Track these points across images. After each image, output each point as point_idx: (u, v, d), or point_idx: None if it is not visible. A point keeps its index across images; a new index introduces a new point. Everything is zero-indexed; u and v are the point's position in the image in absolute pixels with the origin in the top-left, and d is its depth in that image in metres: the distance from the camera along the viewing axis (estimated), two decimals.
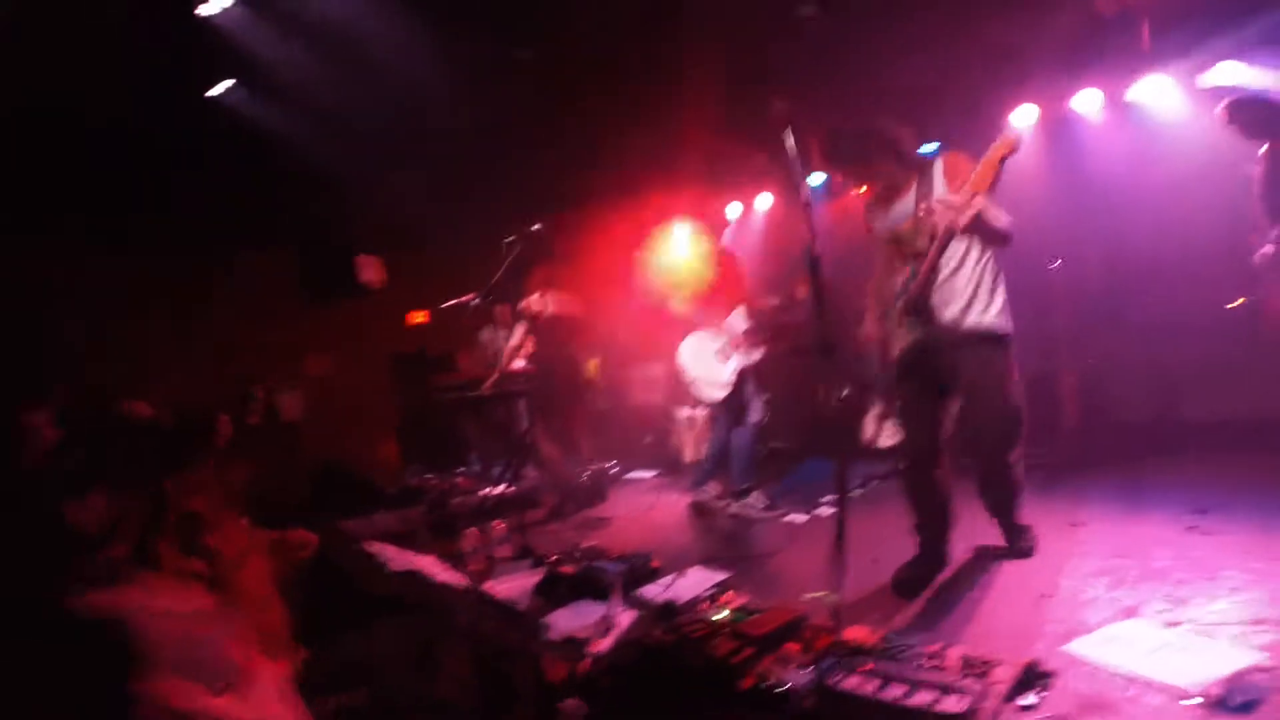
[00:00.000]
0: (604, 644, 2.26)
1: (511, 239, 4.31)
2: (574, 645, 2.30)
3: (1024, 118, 4.96)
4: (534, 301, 4.44)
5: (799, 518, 3.71)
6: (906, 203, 2.47)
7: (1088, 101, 4.75)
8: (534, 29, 4.39)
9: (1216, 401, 4.09)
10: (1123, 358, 4.50)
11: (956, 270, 2.39)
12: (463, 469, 6.31)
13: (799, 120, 2.31)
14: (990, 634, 2.06)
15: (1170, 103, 4.38)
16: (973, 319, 2.38)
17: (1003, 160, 2.14)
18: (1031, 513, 2.71)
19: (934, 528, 2.55)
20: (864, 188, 2.71)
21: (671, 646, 2.02)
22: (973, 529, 2.71)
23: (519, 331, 4.42)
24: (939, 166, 2.42)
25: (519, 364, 4.47)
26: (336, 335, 6.74)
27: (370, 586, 1.99)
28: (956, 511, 2.58)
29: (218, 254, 5.93)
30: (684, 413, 5.81)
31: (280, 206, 5.69)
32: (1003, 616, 2.19)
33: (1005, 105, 4.97)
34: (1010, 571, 2.53)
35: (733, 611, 2.28)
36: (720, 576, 2.84)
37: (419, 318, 7.31)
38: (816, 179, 5.57)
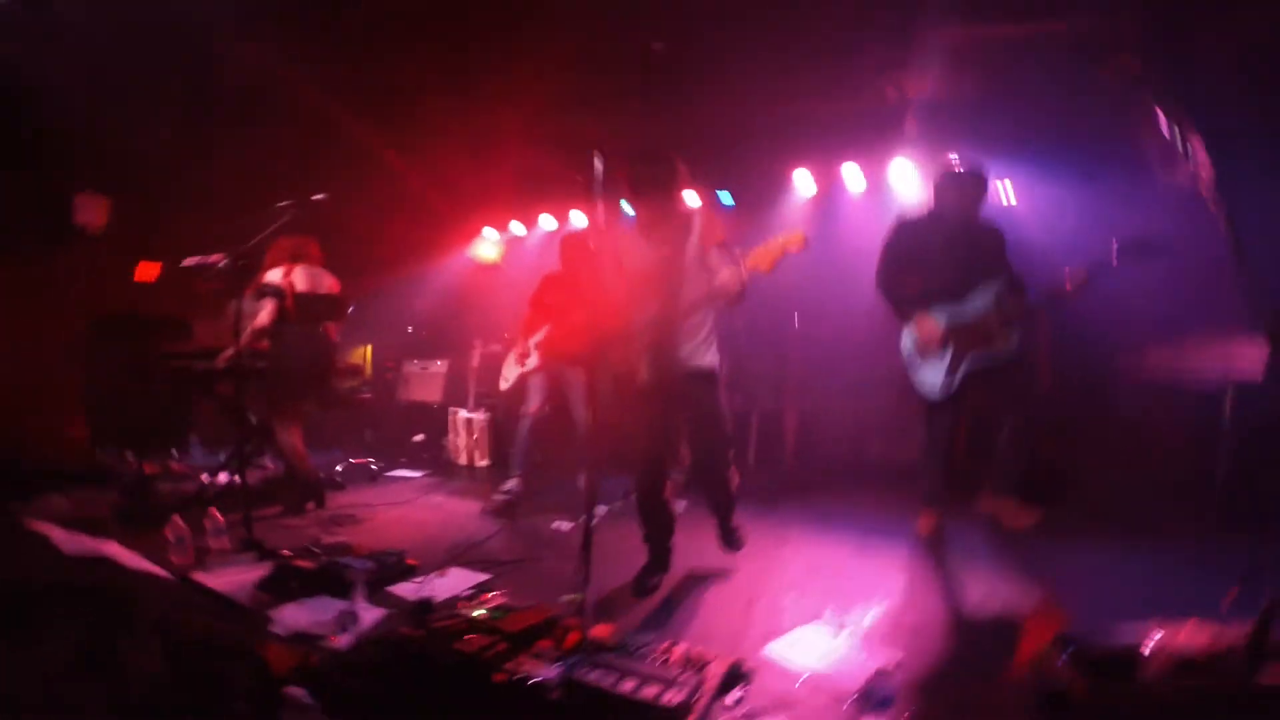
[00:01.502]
0: (342, 640, 2.00)
1: (286, 203, 3.81)
2: (305, 640, 2.02)
3: (802, 180, 5.61)
4: (283, 276, 3.93)
5: (564, 525, 3.70)
6: (661, 246, 2.63)
7: (851, 174, 5.46)
8: None
9: (895, 446, 4.96)
10: (832, 404, 5.24)
11: (690, 318, 2.63)
12: (176, 453, 5.35)
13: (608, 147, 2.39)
14: (708, 632, 2.35)
15: (913, 183, 5.19)
16: (698, 359, 2.66)
17: (784, 254, 2.42)
18: (753, 528, 3.15)
19: (660, 537, 2.83)
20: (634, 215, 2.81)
21: (421, 641, 1.85)
22: (698, 546, 3.06)
23: (266, 306, 3.85)
24: (698, 221, 2.62)
25: (260, 342, 3.88)
26: (31, 284, 5.36)
27: (27, 574, 1.53)
28: (675, 523, 2.89)
29: None
30: (462, 414, 5.56)
31: None
32: (719, 618, 2.49)
33: (789, 167, 5.59)
34: (726, 580, 2.88)
35: (490, 610, 2.17)
36: (481, 578, 2.72)
37: (150, 273, 6.12)
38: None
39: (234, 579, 2.43)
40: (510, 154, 5.79)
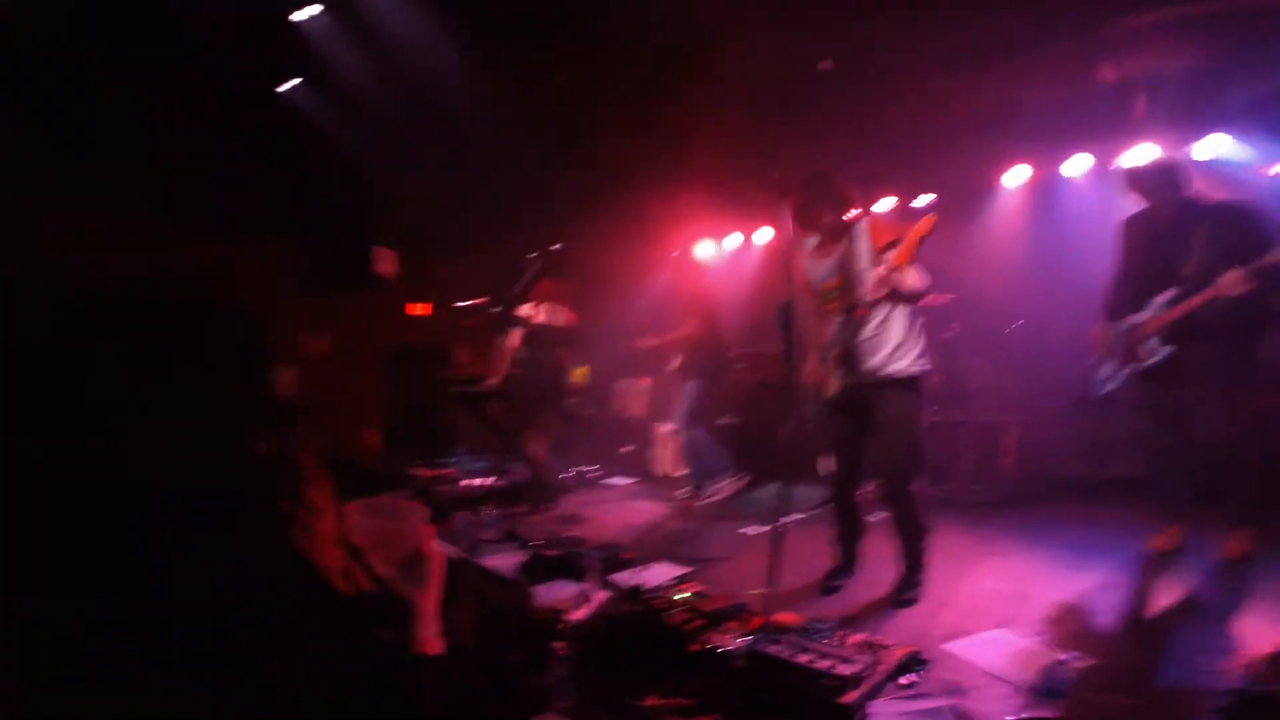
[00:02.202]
0: (581, 613, 2.64)
1: (535, 255, 4.74)
2: (555, 612, 2.69)
3: (1016, 178, 5.37)
4: (528, 309, 4.85)
5: (756, 529, 4.12)
6: (834, 260, 2.83)
7: (1077, 166, 5.08)
8: (575, 52, 4.83)
9: (1126, 462, 4.52)
10: (1059, 416, 4.90)
11: (882, 324, 2.74)
12: (448, 460, 6.65)
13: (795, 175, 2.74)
14: (892, 628, 2.51)
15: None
16: (892, 366, 2.73)
17: (922, 239, 2.51)
18: (959, 537, 3.27)
19: (849, 540, 3.03)
20: (810, 239, 3.01)
21: (638, 615, 2.42)
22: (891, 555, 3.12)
23: (514, 336, 4.81)
24: (862, 228, 2.75)
25: (514, 366, 4.86)
26: (342, 321, 7.04)
27: None
28: (864, 529, 3.06)
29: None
30: (663, 428, 6.22)
31: (312, 198, 6.05)
32: (904, 616, 2.68)
33: (1000, 165, 5.37)
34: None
35: (690, 595, 2.69)
36: (682, 570, 3.25)
37: (420, 310, 7.67)
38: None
39: (502, 562, 3.23)
40: (701, 183, 6.32)
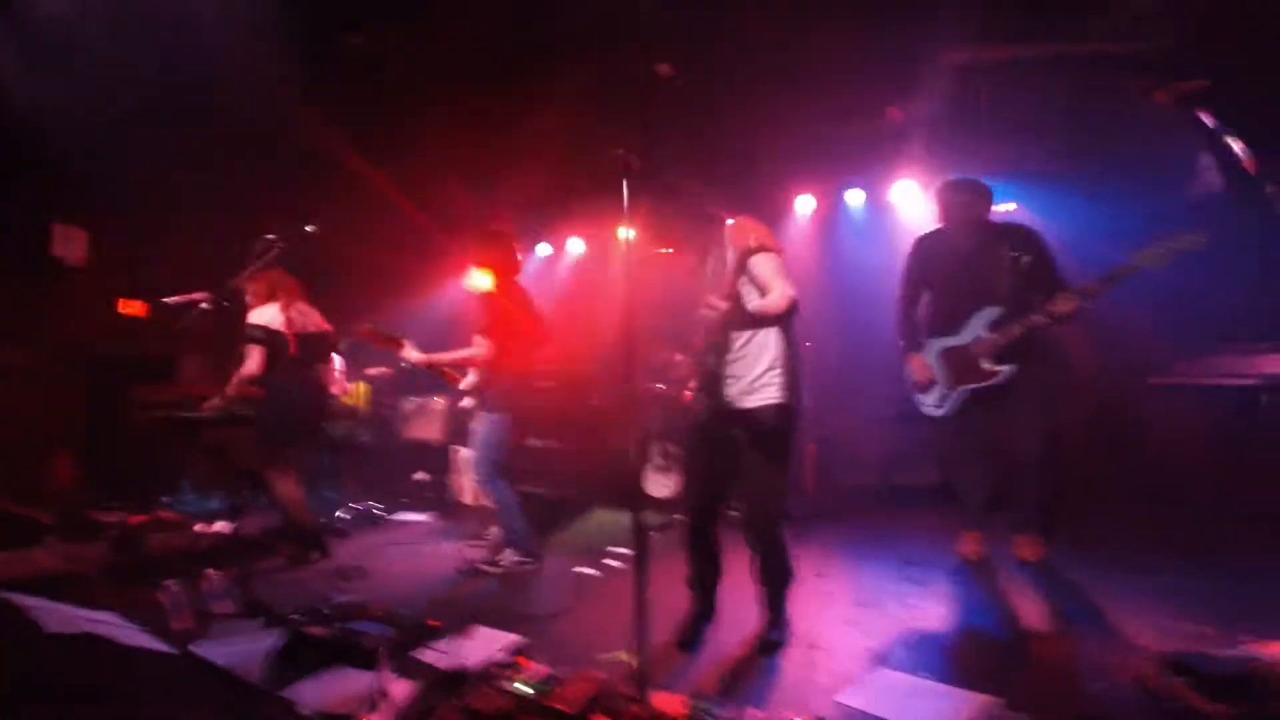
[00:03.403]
0: None
1: (272, 236, 3.58)
2: None
3: (804, 206, 5.59)
4: (271, 315, 3.63)
5: (589, 571, 3.47)
6: (700, 265, 2.49)
7: (855, 197, 5.49)
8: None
9: (918, 472, 4.90)
10: (851, 432, 5.19)
11: (742, 348, 2.36)
12: (169, 499, 5.04)
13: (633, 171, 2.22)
14: (778, 689, 2.17)
15: (919, 205, 5.17)
16: (749, 399, 2.34)
17: (742, 264, 2.25)
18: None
19: (707, 582, 2.61)
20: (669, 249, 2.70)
21: None
22: (738, 582, 2.76)
23: (253, 353, 3.54)
24: (729, 231, 2.41)
25: (248, 389, 3.60)
26: (9, 320, 5.09)
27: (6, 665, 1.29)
28: (725, 567, 2.64)
29: None
30: (464, 452, 5.31)
31: None
32: (784, 670, 2.31)
33: (789, 192, 5.61)
34: None
35: (533, 684, 1.94)
36: (510, 638, 2.48)
37: (133, 309, 5.86)
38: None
39: (242, 650, 2.17)
40: (507, 181, 5.67)
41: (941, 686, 2.09)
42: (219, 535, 3.87)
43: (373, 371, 5.57)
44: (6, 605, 1.72)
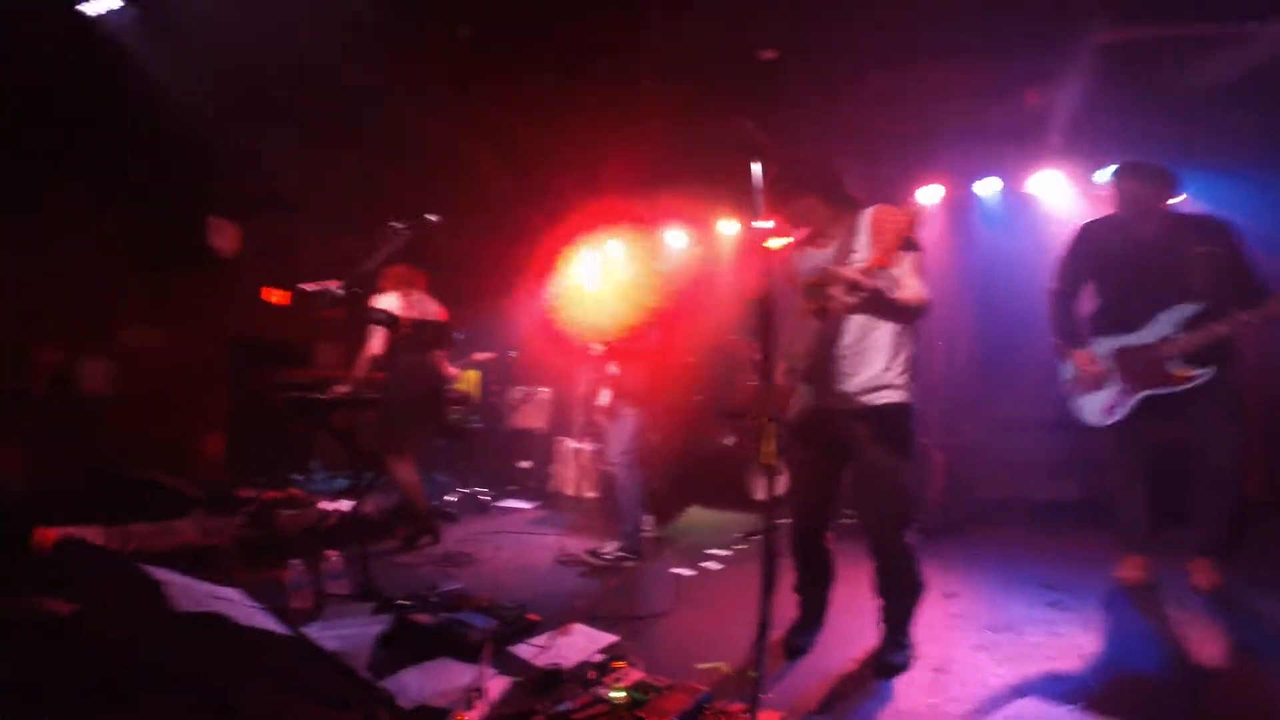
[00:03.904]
0: (470, 718, 1.75)
1: (399, 224, 3.73)
2: (430, 717, 1.79)
3: (932, 195, 5.13)
4: (391, 303, 3.81)
5: (685, 572, 3.37)
6: (827, 253, 2.26)
7: (988, 187, 4.98)
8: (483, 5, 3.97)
9: (1056, 485, 4.52)
10: (983, 441, 4.71)
11: (861, 340, 2.18)
12: (301, 477, 5.44)
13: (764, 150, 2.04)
14: (896, 715, 1.97)
15: (1062, 197, 4.65)
16: (871, 396, 2.16)
17: (902, 236, 1.96)
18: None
19: (816, 589, 2.45)
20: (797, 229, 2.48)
21: None
22: (854, 592, 2.56)
23: (377, 334, 3.76)
24: (866, 220, 2.21)
25: (374, 371, 3.78)
26: (171, 305, 5.67)
27: (139, 641, 1.36)
28: (836, 570, 2.46)
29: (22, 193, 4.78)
30: (569, 444, 5.37)
31: (125, 151, 4.72)
32: (905, 694, 2.09)
33: (914, 182, 5.14)
34: None
35: (629, 689, 1.86)
36: (608, 639, 2.42)
37: (276, 297, 6.36)
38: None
39: (353, 634, 2.25)
40: (618, 171, 5.62)
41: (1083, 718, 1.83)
42: (341, 514, 4.11)
43: (480, 357, 5.70)
44: (147, 579, 1.84)
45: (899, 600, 2.30)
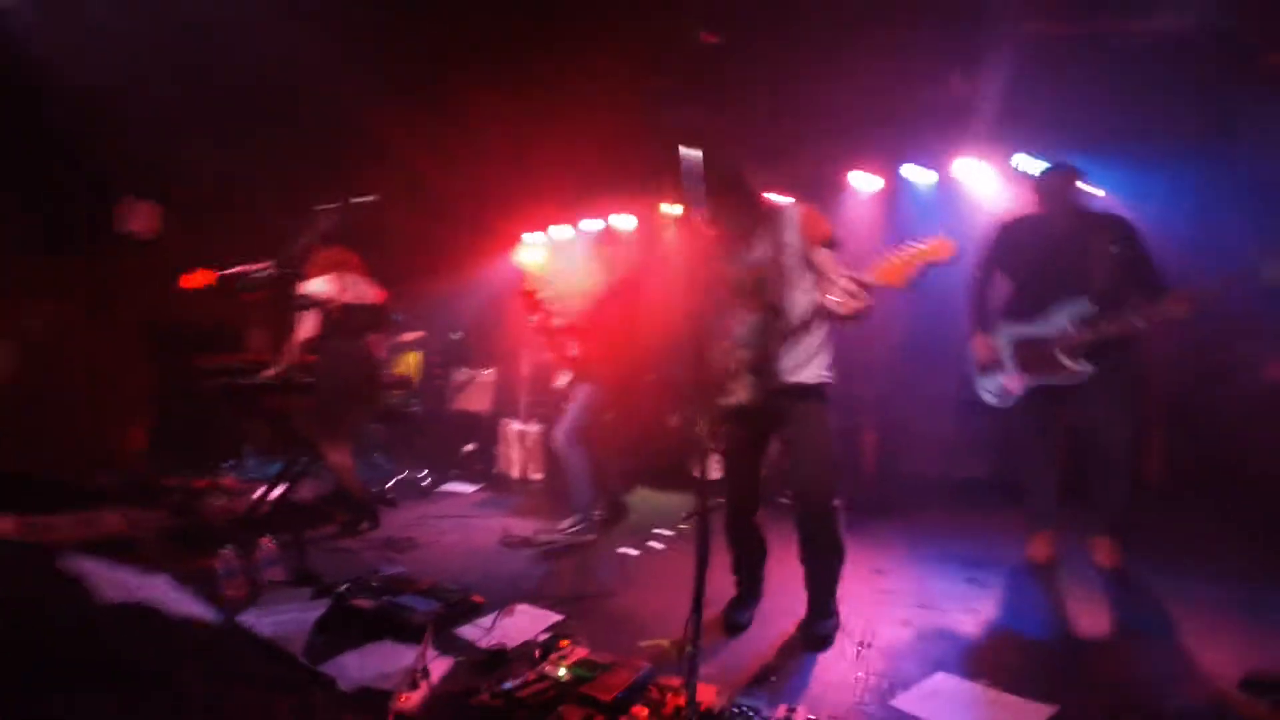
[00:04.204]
0: (413, 699, 1.76)
1: (329, 206, 3.62)
2: (371, 699, 1.77)
3: (858, 182, 5.27)
4: (322, 287, 3.68)
5: (631, 552, 3.43)
6: (752, 250, 2.35)
7: (915, 173, 5.12)
8: None
9: (982, 463, 4.69)
10: (912, 423, 4.92)
11: (800, 332, 2.30)
12: (231, 465, 5.25)
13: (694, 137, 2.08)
14: (824, 688, 2.06)
15: (986, 183, 4.83)
16: (805, 375, 2.31)
17: (929, 263, 2.04)
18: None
19: (751, 566, 2.55)
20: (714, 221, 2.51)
21: (505, 712, 1.59)
22: (786, 570, 2.69)
23: (308, 318, 3.63)
24: (792, 217, 2.31)
25: (306, 355, 3.66)
26: (80, 289, 5.33)
27: (56, 637, 1.30)
28: (768, 549, 2.58)
29: None
30: (514, 426, 5.34)
31: (22, 134, 4.40)
32: (831, 668, 2.19)
33: (844, 167, 5.28)
34: None
35: (572, 667, 1.90)
36: (552, 618, 2.45)
37: (200, 280, 6.06)
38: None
39: (288, 619, 2.21)
40: (555, 156, 5.57)
41: (1000, 694, 1.95)
42: (275, 502, 3.98)
43: (409, 337, 5.58)
44: (64, 571, 1.76)
45: (823, 566, 2.38)
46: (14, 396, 4.85)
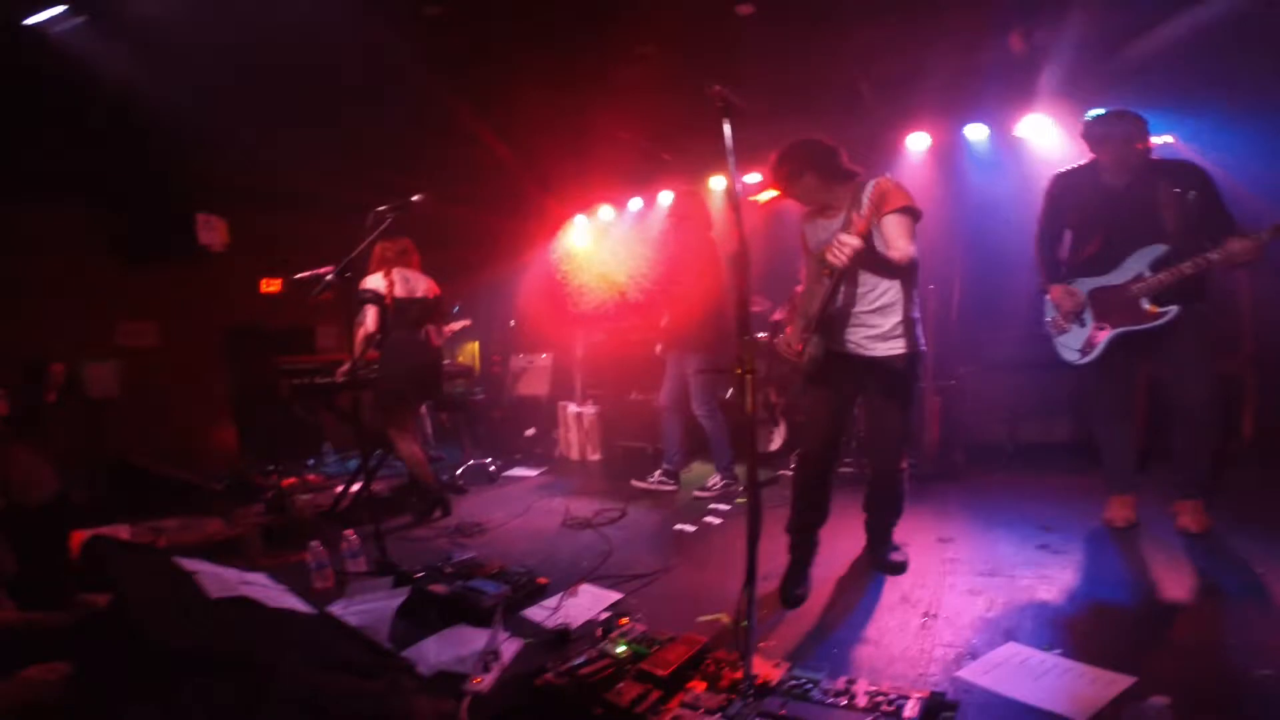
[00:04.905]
0: (486, 681, 1.91)
1: (384, 208, 3.79)
2: (448, 682, 1.94)
3: (917, 143, 5.11)
4: (379, 282, 3.87)
5: (688, 528, 3.53)
6: (835, 222, 2.50)
7: (976, 133, 4.95)
8: None
9: (1049, 427, 4.57)
10: (976, 384, 4.78)
11: (866, 295, 2.47)
12: (314, 461, 5.62)
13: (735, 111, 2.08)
14: (887, 660, 2.05)
15: (1053, 140, 4.62)
16: (878, 347, 2.48)
17: (878, 205, 2.26)
18: (910, 521, 2.89)
19: (811, 525, 2.66)
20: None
21: (569, 691, 1.72)
22: (842, 542, 2.92)
23: (367, 313, 3.84)
24: (869, 191, 2.38)
25: (370, 350, 3.89)
26: (166, 303, 5.75)
27: (172, 632, 1.50)
28: (830, 512, 2.70)
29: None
30: (571, 408, 5.50)
31: (104, 156, 4.73)
32: (894, 639, 2.18)
33: (902, 129, 5.13)
34: (892, 587, 2.58)
35: (631, 644, 2.01)
36: (613, 597, 2.59)
37: (272, 286, 6.44)
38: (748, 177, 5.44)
39: (373, 608, 2.41)
40: (603, 138, 5.58)
41: (1074, 664, 1.88)
42: (355, 496, 4.27)
43: (452, 327, 5.76)
44: (180, 570, 1.99)
45: (886, 517, 2.73)
46: (118, 408, 5.34)
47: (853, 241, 2.19)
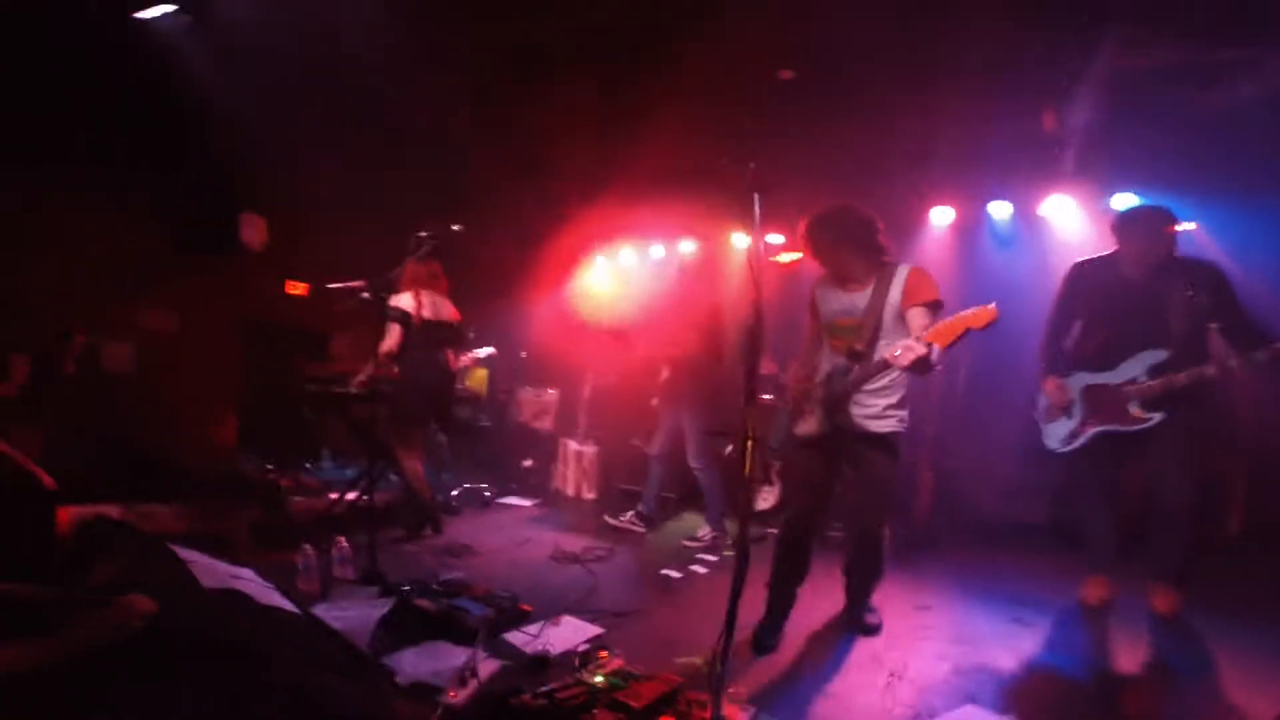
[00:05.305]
0: (461, 696, 1.93)
1: (425, 234, 3.94)
2: (424, 693, 1.96)
3: (941, 218, 5.23)
4: (408, 302, 3.99)
5: (674, 574, 3.53)
6: (858, 297, 2.56)
7: (1000, 210, 5.02)
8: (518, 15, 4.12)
9: (1040, 507, 4.56)
10: (972, 464, 4.81)
11: (879, 382, 2.54)
12: (310, 466, 5.65)
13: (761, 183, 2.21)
14: (847, 713, 2.13)
15: (1076, 223, 4.71)
16: (882, 425, 2.55)
17: (969, 329, 2.21)
18: (882, 588, 2.93)
19: (788, 586, 2.70)
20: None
21: (543, 713, 1.73)
22: (821, 601, 2.94)
23: (392, 330, 3.95)
24: (901, 275, 2.48)
25: (390, 366, 3.98)
26: (192, 293, 5.87)
27: (171, 614, 1.54)
28: (809, 572, 2.73)
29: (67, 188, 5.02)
30: (572, 445, 5.54)
31: (174, 149, 4.96)
32: (859, 695, 2.25)
33: (926, 203, 5.21)
34: (863, 647, 2.66)
35: (609, 676, 2.03)
36: (594, 631, 2.60)
37: (298, 289, 6.58)
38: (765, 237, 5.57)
39: (357, 615, 2.43)
40: (634, 184, 5.76)
41: None
42: (350, 503, 4.30)
43: (482, 353, 5.86)
44: (174, 557, 2.03)
45: (865, 579, 2.78)
46: (129, 388, 5.41)
47: (919, 350, 2.20)
